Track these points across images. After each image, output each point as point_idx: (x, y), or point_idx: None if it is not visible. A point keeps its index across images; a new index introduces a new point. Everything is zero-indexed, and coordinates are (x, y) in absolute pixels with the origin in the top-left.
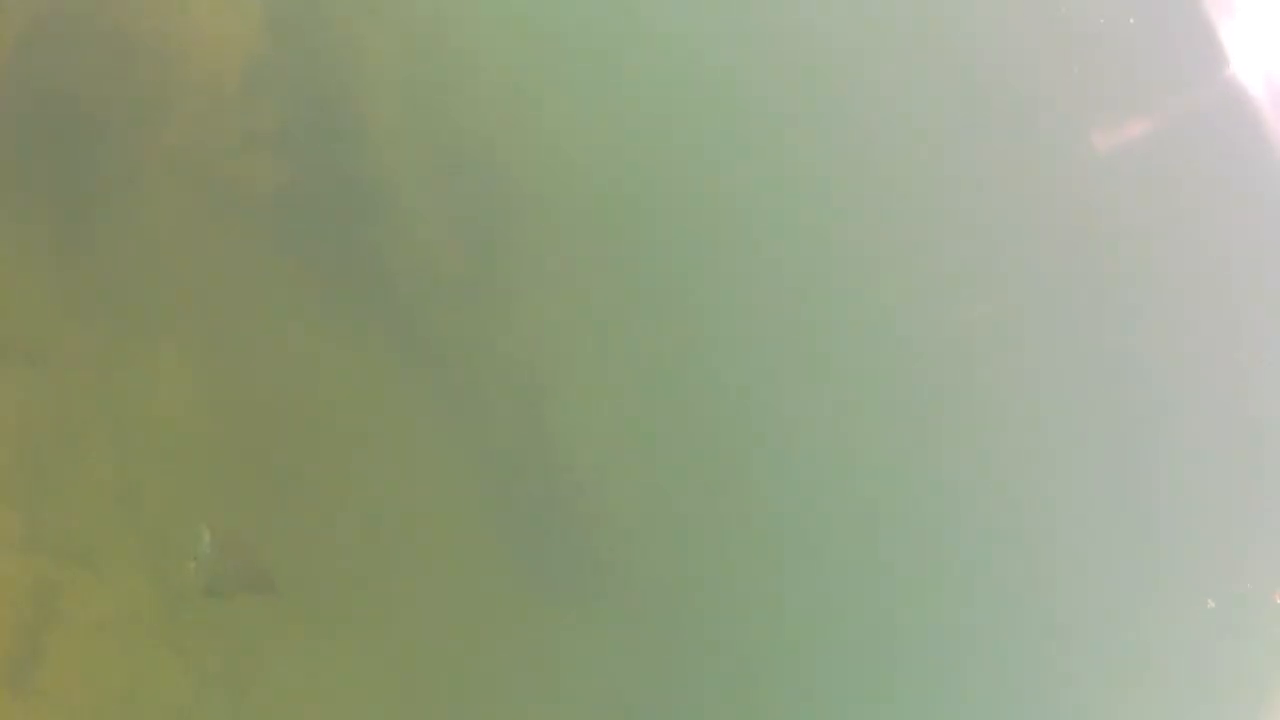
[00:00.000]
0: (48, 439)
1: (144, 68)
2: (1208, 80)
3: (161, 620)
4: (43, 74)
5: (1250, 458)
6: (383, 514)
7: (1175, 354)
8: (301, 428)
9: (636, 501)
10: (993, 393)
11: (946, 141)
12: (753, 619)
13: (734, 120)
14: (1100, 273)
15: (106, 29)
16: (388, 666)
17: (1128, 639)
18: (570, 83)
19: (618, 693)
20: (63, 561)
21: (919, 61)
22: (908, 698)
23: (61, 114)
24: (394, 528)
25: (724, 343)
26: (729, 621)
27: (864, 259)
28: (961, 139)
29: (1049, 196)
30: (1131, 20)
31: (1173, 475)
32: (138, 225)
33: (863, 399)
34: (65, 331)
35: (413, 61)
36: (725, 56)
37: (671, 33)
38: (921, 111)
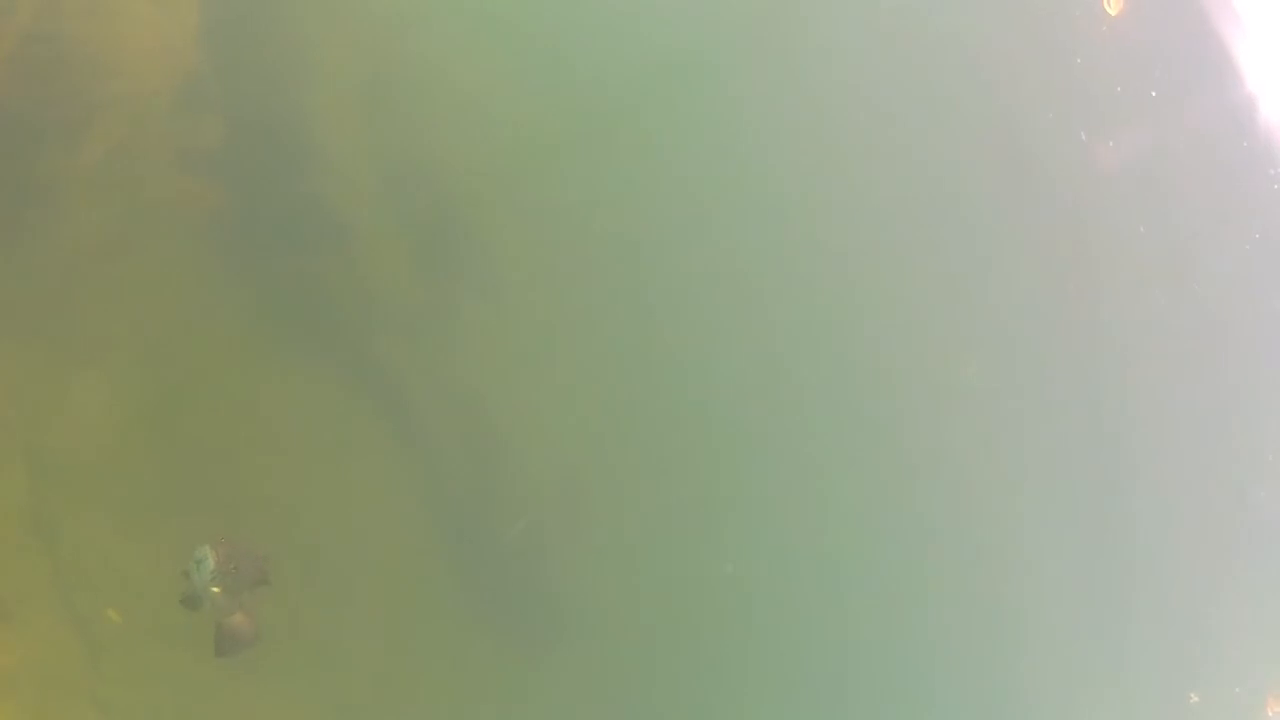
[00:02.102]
0: None
1: (69, 77)
2: (1210, 87)
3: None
4: None
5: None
6: (324, 549)
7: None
8: (237, 458)
9: (595, 532)
10: (976, 461)
11: (934, 158)
12: (715, 658)
13: (699, 132)
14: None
15: (29, 33)
16: (328, 711)
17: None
18: (526, 101)
19: None
20: None
21: (904, 67)
22: None
23: None
24: (336, 564)
25: (686, 364)
26: (689, 661)
27: (834, 272)
28: (951, 156)
29: (1041, 220)
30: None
31: (1155, 561)
32: (59, 243)
33: (838, 440)
34: None
35: (363, 76)
36: (691, 66)
37: (633, 47)
38: (905, 130)
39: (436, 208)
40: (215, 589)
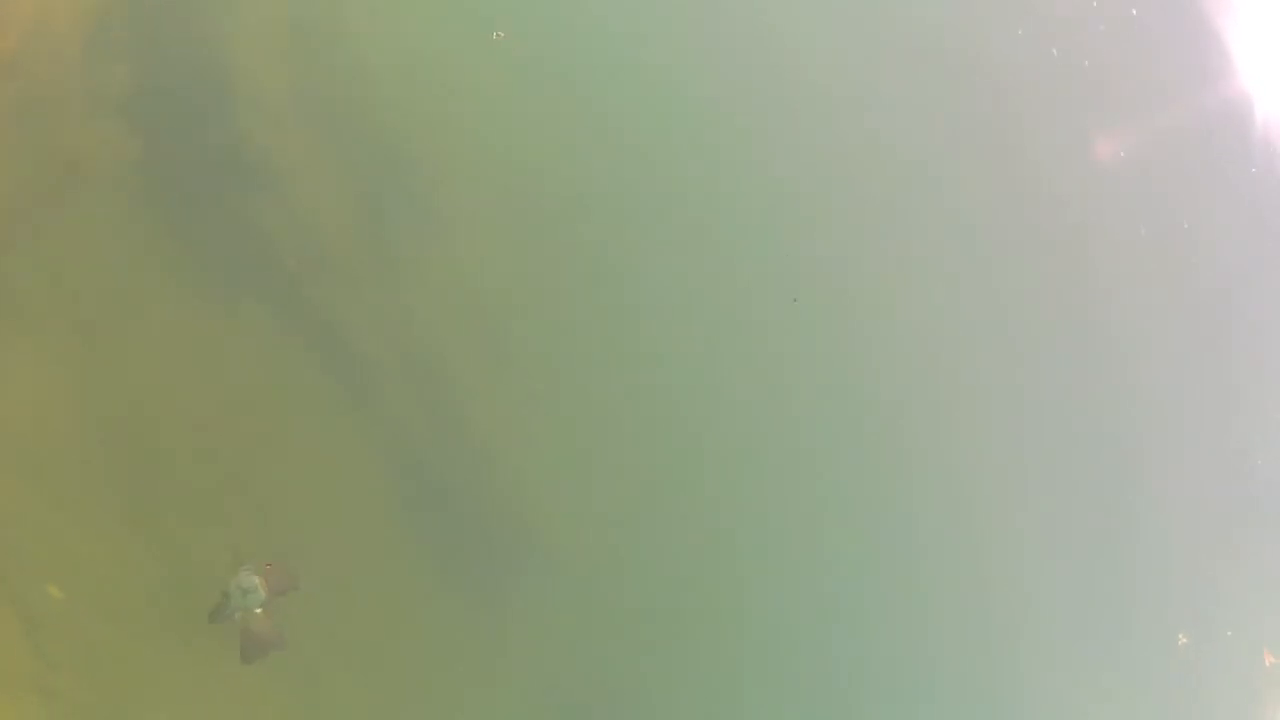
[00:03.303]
0: None
1: None
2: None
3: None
4: None
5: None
6: (271, 504)
7: (1161, 390)
8: (176, 416)
9: (553, 480)
10: (962, 413)
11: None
12: (674, 605)
13: (634, 77)
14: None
15: None
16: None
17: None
18: (467, 38)
19: (527, 686)
20: None
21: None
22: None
23: None
24: (285, 519)
25: (636, 307)
26: (653, 606)
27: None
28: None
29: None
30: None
31: (1150, 509)
32: None
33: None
34: None
35: (291, 13)
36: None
37: None
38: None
39: (377, 154)
40: (259, 610)
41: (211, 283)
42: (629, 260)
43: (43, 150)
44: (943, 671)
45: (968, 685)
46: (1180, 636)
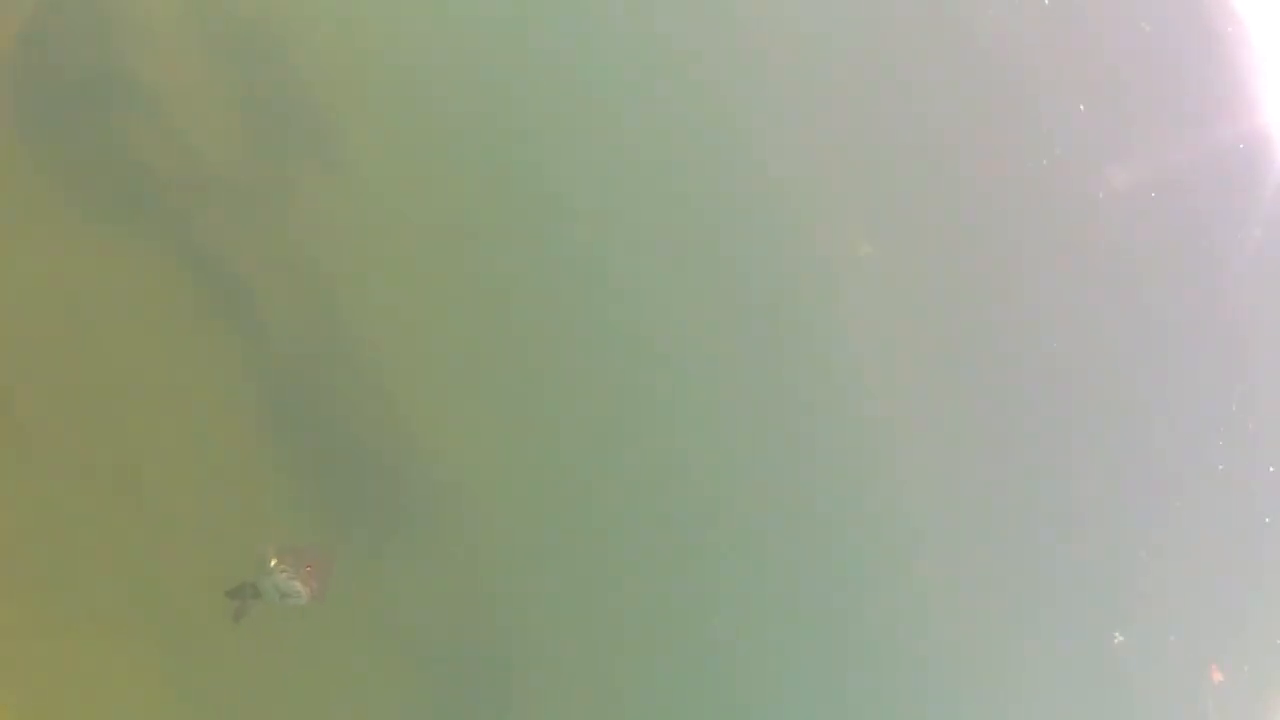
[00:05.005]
0: None
1: None
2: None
3: None
4: None
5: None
6: (151, 434)
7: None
8: (51, 348)
9: (440, 408)
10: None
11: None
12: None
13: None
14: None
15: None
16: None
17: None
18: None
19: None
20: None
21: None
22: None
23: None
24: (164, 448)
25: (527, 230)
26: (543, 541)
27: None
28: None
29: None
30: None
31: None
32: None
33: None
34: None
35: None
36: None
37: None
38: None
39: (271, 78)
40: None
41: (90, 205)
42: (516, 181)
43: None
44: (879, 668)
45: (906, 678)
46: (1116, 635)
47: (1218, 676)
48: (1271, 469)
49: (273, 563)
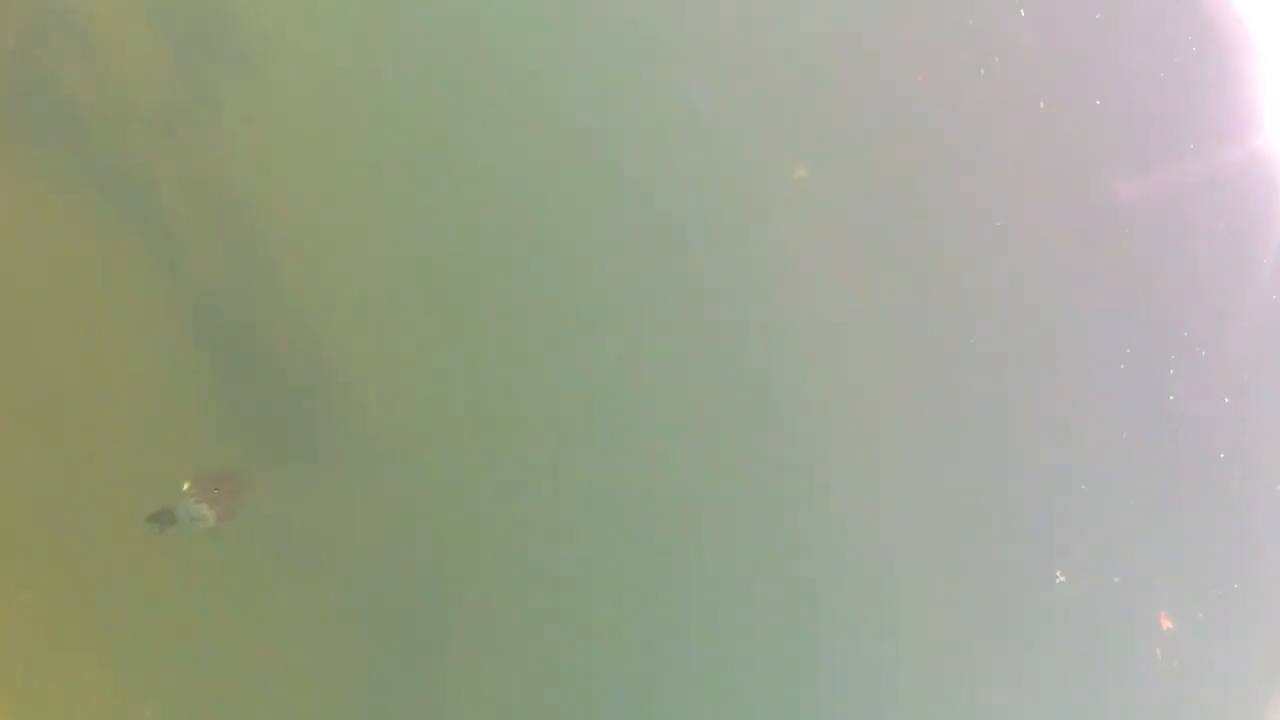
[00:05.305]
0: None
1: None
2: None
3: None
4: None
5: None
6: (68, 362)
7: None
8: None
9: (371, 338)
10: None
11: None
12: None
13: None
14: None
15: None
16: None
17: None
18: None
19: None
20: None
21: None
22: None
23: None
24: (88, 385)
25: (465, 172)
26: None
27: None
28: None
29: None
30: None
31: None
32: None
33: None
34: None
35: None
36: None
37: None
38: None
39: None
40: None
41: (8, 126)
42: (442, 115)
43: None
44: (825, 617)
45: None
46: (1058, 574)
47: (1167, 624)
48: (1227, 400)
49: (185, 487)
